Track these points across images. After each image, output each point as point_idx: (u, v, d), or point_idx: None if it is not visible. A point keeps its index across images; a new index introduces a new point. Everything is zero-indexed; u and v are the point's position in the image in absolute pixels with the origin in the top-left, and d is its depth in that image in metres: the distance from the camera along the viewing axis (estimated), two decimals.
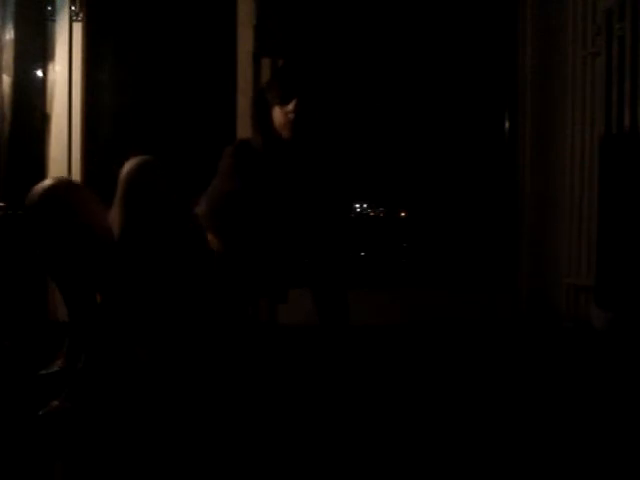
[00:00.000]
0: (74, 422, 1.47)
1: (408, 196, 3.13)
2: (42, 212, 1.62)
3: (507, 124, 3.01)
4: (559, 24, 2.81)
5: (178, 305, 1.71)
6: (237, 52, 2.74)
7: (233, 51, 2.75)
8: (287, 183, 1.82)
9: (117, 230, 1.54)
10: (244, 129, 2.54)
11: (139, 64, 2.88)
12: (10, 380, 1.83)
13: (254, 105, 1.90)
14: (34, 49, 2.62)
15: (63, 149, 2.67)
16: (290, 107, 1.78)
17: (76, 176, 2.66)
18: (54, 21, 2.65)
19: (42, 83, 2.65)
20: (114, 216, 1.56)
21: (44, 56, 2.64)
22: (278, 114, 1.81)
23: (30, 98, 2.63)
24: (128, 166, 1.54)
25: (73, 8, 2.65)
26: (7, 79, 2.45)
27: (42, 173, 2.64)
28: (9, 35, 2.46)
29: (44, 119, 2.66)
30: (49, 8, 2.65)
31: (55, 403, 1.48)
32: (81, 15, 2.67)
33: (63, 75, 2.67)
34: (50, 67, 2.65)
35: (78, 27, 2.68)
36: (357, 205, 3.11)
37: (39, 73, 2.65)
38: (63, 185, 1.67)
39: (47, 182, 1.65)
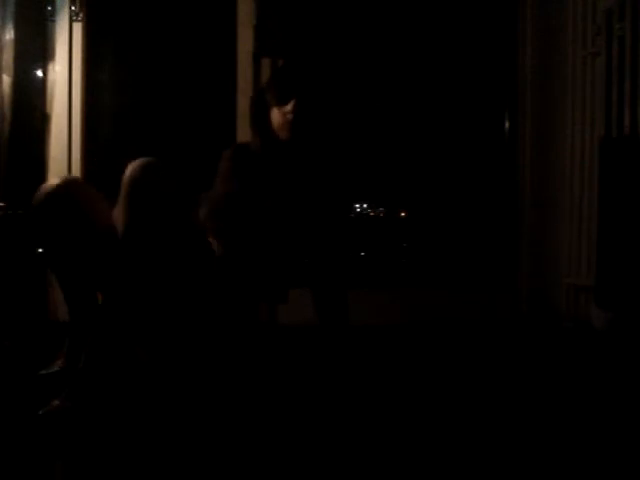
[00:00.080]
0: (74, 421, 1.47)
1: (408, 196, 3.13)
2: (49, 211, 1.64)
3: (507, 124, 3.01)
4: (559, 24, 2.81)
5: (179, 305, 1.71)
6: (237, 52, 2.74)
7: (233, 51, 2.75)
8: (285, 184, 1.82)
9: (121, 228, 1.56)
10: (244, 129, 2.54)
11: (139, 64, 2.88)
12: (10, 380, 1.83)
13: (253, 106, 1.91)
14: (34, 49, 2.62)
15: (63, 149, 2.67)
16: (288, 108, 1.78)
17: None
18: (54, 21, 2.65)
19: (42, 83, 2.65)
20: (118, 215, 1.58)
21: (44, 56, 2.64)
22: (276, 115, 1.82)
23: (30, 98, 2.63)
24: (131, 167, 1.56)
25: (73, 8, 2.65)
26: (7, 79, 2.45)
27: (42, 173, 2.64)
28: (9, 35, 2.46)
29: (44, 119, 2.66)
30: (49, 8, 2.64)
31: (55, 402, 1.49)
32: (81, 15, 2.67)
33: (63, 75, 2.67)
34: (50, 67, 2.65)
35: (78, 27, 2.68)
36: (357, 205, 3.11)
37: (39, 73, 2.65)
38: (70, 184, 1.69)
39: (55, 181, 1.68)
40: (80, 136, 2.69)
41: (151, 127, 2.88)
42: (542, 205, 2.87)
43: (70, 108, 2.67)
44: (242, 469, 1.33)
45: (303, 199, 1.82)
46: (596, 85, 2.61)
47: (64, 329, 1.79)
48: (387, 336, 2.57)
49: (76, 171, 2.68)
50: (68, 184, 1.67)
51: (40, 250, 1.73)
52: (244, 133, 2.43)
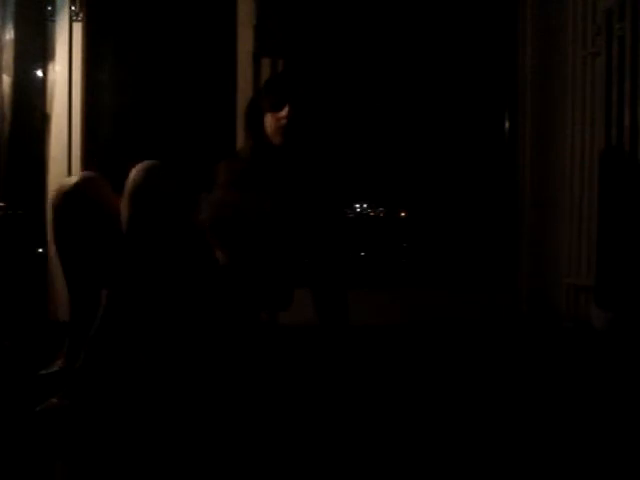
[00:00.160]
0: (72, 419, 1.47)
1: (408, 196, 3.13)
2: (68, 209, 1.67)
3: (507, 124, 3.01)
4: (559, 24, 2.81)
5: (179, 305, 1.71)
6: (237, 52, 2.74)
7: (233, 51, 2.75)
8: (279, 189, 1.82)
9: (124, 224, 1.59)
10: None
11: (139, 64, 2.88)
12: (10, 380, 1.83)
13: (247, 112, 1.92)
14: (34, 49, 2.62)
15: (63, 149, 2.67)
16: (282, 113, 1.79)
17: None
18: (54, 21, 2.65)
19: (42, 83, 2.64)
20: (122, 210, 1.60)
21: (44, 56, 2.64)
22: (271, 120, 1.83)
23: (30, 98, 2.63)
24: (135, 171, 1.58)
25: (73, 8, 2.65)
26: (7, 79, 2.45)
27: (42, 173, 2.64)
28: (9, 35, 2.45)
29: (44, 119, 2.65)
30: (49, 8, 2.64)
31: (53, 400, 1.49)
32: (81, 15, 2.67)
33: (63, 75, 2.66)
34: (50, 67, 2.65)
35: (78, 27, 2.67)
36: (357, 205, 3.11)
37: (39, 73, 2.65)
38: (89, 181, 1.70)
39: (73, 179, 1.71)
40: (80, 136, 2.69)
41: (151, 127, 2.88)
42: (542, 205, 2.87)
43: (70, 108, 2.67)
44: (242, 469, 1.33)
45: (297, 202, 1.83)
46: (596, 85, 2.61)
47: (64, 329, 1.79)
48: (387, 336, 2.57)
49: (76, 171, 2.67)
50: (86, 181, 1.69)
51: (39, 250, 1.72)
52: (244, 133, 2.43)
